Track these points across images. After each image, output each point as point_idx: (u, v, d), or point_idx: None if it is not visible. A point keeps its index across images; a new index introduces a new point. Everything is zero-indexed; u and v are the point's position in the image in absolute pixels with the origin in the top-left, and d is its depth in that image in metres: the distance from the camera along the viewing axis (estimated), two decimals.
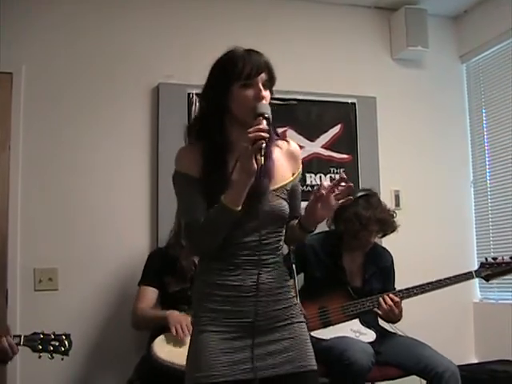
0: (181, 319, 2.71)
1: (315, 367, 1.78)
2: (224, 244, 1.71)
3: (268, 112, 1.66)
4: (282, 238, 1.83)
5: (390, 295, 2.90)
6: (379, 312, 2.89)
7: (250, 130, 1.59)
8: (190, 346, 1.78)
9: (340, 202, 1.73)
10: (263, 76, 1.73)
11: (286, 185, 1.81)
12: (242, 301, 1.70)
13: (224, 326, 1.70)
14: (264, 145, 1.57)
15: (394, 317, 2.90)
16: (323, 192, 1.71)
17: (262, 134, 1.58)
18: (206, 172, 1.72)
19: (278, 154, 1.84)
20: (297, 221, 1.85)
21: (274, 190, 1.77)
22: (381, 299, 2.89)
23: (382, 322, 3.08)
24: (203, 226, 1.69)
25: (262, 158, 1.57)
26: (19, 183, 3.27)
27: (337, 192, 1.72)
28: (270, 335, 1.72)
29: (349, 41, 4.03)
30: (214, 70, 1.78)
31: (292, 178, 1.85)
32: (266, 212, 1.72)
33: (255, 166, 1.59)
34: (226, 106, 1.73)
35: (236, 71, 1.71)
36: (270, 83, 1.76)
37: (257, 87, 1.71)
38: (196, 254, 1.86)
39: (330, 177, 3.81)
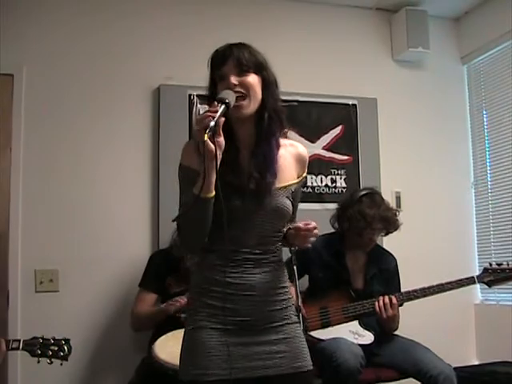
0: (176, 298, 2.81)
1: (311, 367, 1.79)
2: (223, 240, 1.68)
3: (227, 97, 1.63)
4: (281, 237, 1.83)
5: (390, 296, 2.90)
6: (377, 310, 2.88)
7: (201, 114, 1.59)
8: (184, 340, 1.77)
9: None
10: (230, 64, 1.73)
11: (291, 185, 1.82)
12: (239, 299, 1.70)
13: (221, 324, 1.70)
14: (212, 123, 1.53)
15: (388, 319, 2.89)
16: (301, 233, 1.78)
17: (209, 114, 1.56)
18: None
19: (287, 154, 1.85)
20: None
21: (279, 189, 1.78)
22: (379, 300, 2.90)
23: None
24: (183, 218, 1.68)
25: (207, 134, 1.53)
26: (20, 184, 3.27)
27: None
28: (267, 335, 1.73)
29: (349, 42, 4.03)
30: None
31: (297, 181, 1.86)
32: (270, 209, 1.74)
33: (211, 146, 1.56)
34: None
35: (211, 69, 1.77)
36: (243, 67, 1.73)
37: (227, 80, 1.71)
38: (187, 249, 1.82)
39: (331, 178, 3.81)
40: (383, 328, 2.98)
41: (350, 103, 3.92)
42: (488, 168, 4.06)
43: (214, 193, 1.62)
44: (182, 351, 1.76)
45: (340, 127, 3.89)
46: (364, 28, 4.08)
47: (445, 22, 4.25)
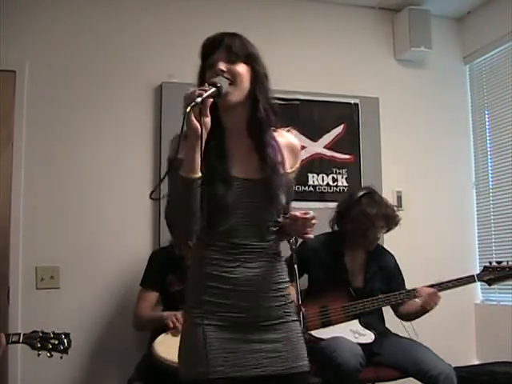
0: (175, 312, 2.75)
1: (307, 368, 1.74)
2: (219, 234, 1.67)
3: (217, 81, 1.61)
4: (277, 229, 1.77)
5: (424, 288, 2.94)
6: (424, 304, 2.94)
7: None
8: (182, 339, 1.74)
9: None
10: (220, 52, 1.71)
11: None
12: (236, 294, 1.67)
13: (218, 320, 1.66)
14: (199, 99, 1.50)
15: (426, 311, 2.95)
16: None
17: (197, 91, 1.54)
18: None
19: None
20: None
21: None
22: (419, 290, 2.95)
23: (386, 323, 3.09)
24: (169, 202, 1.66)
25: (190, 107, 1.50)
26: (22, 181, 3.27)
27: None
28: (264, 333, 1.69)
29: (352, 41, 4.03)
30: None
31: (289, 171, 1.79)
32: (267, 199, 1.70)
33: (195, 123, 1.53)
34: None
35: (201, 57, 1.77)
36: (233, 55, 1.71)
37: (215, 67, 1.69)
38: (178, 238, 1.86)
39: (333, 177, 3.81)
40: (415, 316, 3.01)
41: (352, 102, 3.92)
42: (489, 168, 4.06)
43: (199, 174, 1.57)
44: (180, 350, 1.73)
45: (342, 126, 3.89)
46: (366, 27, 4.08)
47: (447, 22, 4.25)
